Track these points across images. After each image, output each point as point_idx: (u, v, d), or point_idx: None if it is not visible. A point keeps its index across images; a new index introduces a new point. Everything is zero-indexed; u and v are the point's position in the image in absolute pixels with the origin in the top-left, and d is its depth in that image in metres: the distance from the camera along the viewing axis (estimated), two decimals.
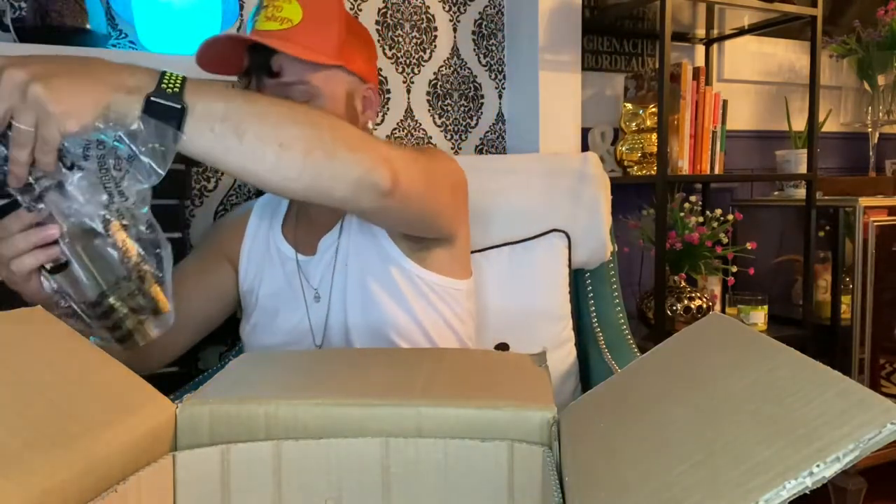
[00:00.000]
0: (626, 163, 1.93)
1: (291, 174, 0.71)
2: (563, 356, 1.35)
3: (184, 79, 0.69)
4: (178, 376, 1.30)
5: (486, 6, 1.89)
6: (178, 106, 0.66)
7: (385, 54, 1.78)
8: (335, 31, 0.96)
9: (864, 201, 1.94)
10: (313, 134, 0.72)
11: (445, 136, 1.87)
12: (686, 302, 1.83)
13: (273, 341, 1.04)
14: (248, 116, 0.68)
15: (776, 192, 2.27)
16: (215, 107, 0.67)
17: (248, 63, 0.95)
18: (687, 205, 1.88)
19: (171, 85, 0.67)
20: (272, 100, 0.74)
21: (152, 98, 0.65)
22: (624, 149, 1.93)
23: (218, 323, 1.14)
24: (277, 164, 0.69)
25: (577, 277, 1.48)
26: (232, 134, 0.67)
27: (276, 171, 0.70)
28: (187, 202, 1.58)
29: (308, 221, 1.06)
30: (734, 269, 1.86)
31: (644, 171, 1.89)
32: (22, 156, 0.62)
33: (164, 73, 0.69)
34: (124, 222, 0.67)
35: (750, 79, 2.28)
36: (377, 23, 1.76)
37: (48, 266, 0.66)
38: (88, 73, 0.65)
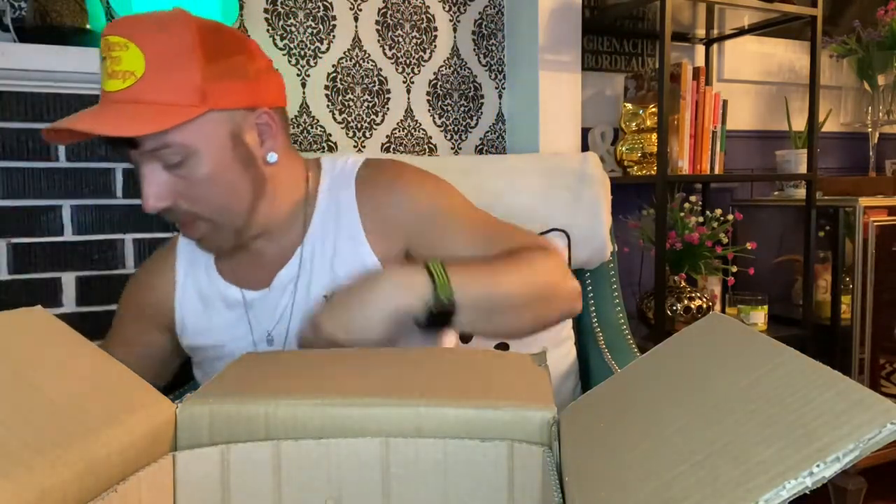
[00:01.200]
0: (626, 163, 1.93)
1: (526, 328, 0.87)
2: (563, 355, 1.35)
3: (446, 271, 0.77)
4: (178, 376, 1.31)
5: (486, 6, 1.88)
6: (452, 311, 0.77)
7: (385, 54, 1.78)
8: (191, 69, 0.77)
9: (864, 201, 1.94)
10: (539, 293, 0.85)
11: (445, 136, 1.87)
12: (686, 302, 1.83)
13: None
14: (497, 298, 0.81)
15: (776, 192, 2.27)
16: (475, 297, 0.78)
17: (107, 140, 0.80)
18: (687, 205, 1.88)
19: (443, 290, 0.76)
20: (506, 267, 0.84)
21: (433, 310, 0.75)
22: (624, 149, 1.92)
23: (174, 369, 1.05)
24: (516, 327, 0.86)
25: (578, 277, 1.48)
26: (486, 318, 0.81)
27: (515, 330, 0.87)
28: None
29: (252, 255, 0.93)
30: (734, 269, 1.86)
31: (644, 171, 1.89)
32: None
33: (431, 271, 0.77)
34: None
35: (750, 79, 2.28)
36: (377, 23, 1.76)
37: None
38: (375, 303, 0.75)
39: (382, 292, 0.75)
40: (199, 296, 0.95)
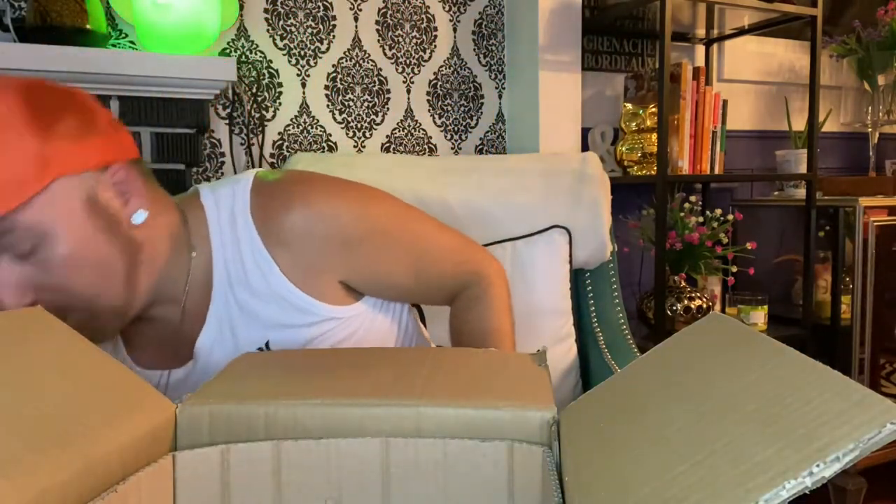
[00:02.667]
0: (626, 163, 1.93)
1: None
2: (564, 352, 1.35)
3: None
4: None
5: (486, 6, 1.88)
6: None
7: (385, 54, 1.78)
8: (23, 137, 0.64)
9: (864, 201, 1.94)
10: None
11: (445, 136, 1.87)
12: (686, 302, 1.83)
13: None
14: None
15: (776, 192, 2.27)
16: None
17: None
18: (687, 205, 1.88)
19: None
20: (507, 328, 0.90)
21: None
22: (624, 149, 1.92)
23: None
24: None
25: (577, 277, 1.48)
26: None
27: None
28: None
29: (158, 327, 0.81)
30: (734, 269, 1.86)
31: (644, 171, 1.89)
32: None
33: None
34: None
35: (750, 79, 2.28)
36: (377, 23, 1.76)
37: None
38: None
39: None
40: None
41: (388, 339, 0.90)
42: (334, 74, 1.72)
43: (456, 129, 1.88)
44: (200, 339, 0.80)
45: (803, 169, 2.03)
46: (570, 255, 1.40)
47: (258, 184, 0.81)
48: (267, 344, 0.81)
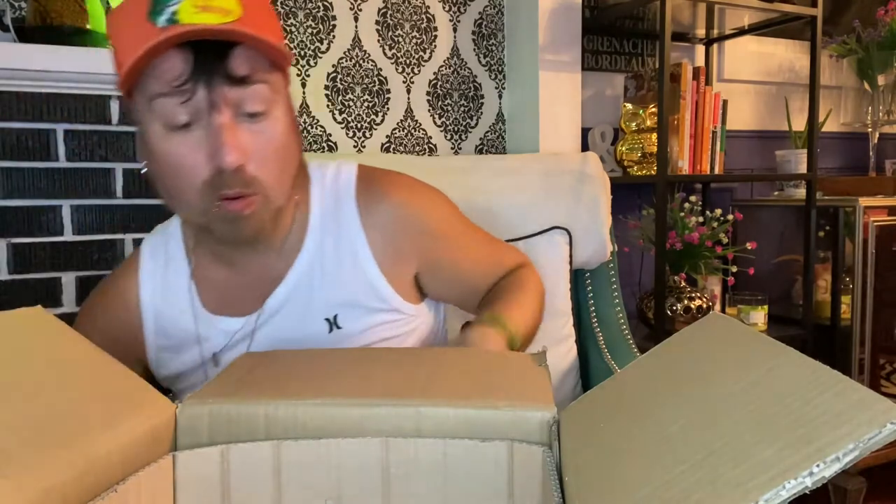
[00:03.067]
0: (626, 163, 1.93)
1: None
2: (564, 353, 1.35)
3: (508, 323, 0.81)
4: None
5: (486, 6, 1.88)
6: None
7: (385, 54, 1.78)
8: (278, 26, 0.74)
9: (864, 201, 1.94)
10: (542, 311, 0.93)
11: (445, 136, 1.87)
12: (686, 302, 1.83)
13: None
14: (533, 332, 0.88)
15: (776, 192, 2.27)
16: (526, 341, 0.85)
17: (192, 67, 0.67)
18: (687, 205, 1.88)
19: (513, 343, 0.80)
20: (532, 303, 0.89)
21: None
22: (624, 149, 1.92)
23: None
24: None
25: (577, 277, 1.48)
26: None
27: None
28: None
29: (236, 274, 0.84)
30: (734, 269, 1.86)
31: (644, 171, 1.89)
32: None
33: (504, 324, 0.79)
34: None
35: (750, 79, 2.28)
36: (377, 23, 1.76)
37: None
38: None
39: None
40: (173, 312, 0.85)
41: (433, 343, 0.95)
42: (334, 74, 1.72)
43: (456, 129, 1.88)
44: (276, 293, 0.82)
45: (803, 169, 2.03)
46: (571, 256, 1.40)
47: (363, 168, 0.88)
48: (335, 318, 0.82)
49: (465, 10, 1.86)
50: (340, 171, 0.87)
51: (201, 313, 0.84)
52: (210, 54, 0.67)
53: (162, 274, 0.86)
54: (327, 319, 0.82)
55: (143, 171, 0.76)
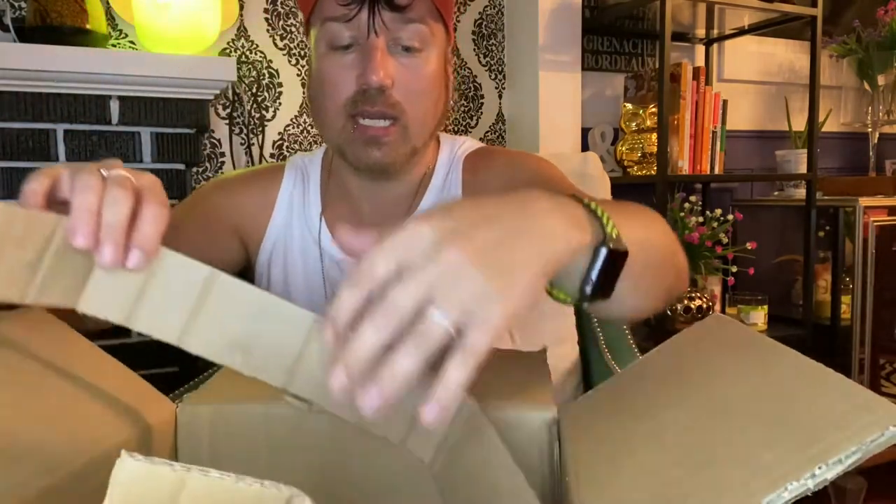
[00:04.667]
0: (626, 163, 1.93)
1: (659, 301, 0.60)
2: (566, 353, 1.35)
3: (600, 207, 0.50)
4: (178, 376, 1.30)
5: (486, 6, 1.88)
6: (625, 258, 0.48)
7: None
8: None
9: (864, 201, 1.94)
10: (675, 254, 0.62)
11: None
12: (686, 302, 1.83)
13: None
14: (651, 251, 0.55)
15: (776, 192, 2.27)
16: (635, 246, 0.49)
17: None
18: (687, 205, 1.88)
19: (612, 228, 0.47)
20: (648, 216, 0.61)
21: (608, 250, 0.46)
22: (624, 149, 1.92)
23: None
24: (652, 297, 0.59)
25: None
26: (634, 280, 0.51)
27: (650, 303, 0.59)
28: None
29: (355, 213, 0.86)
30: (734, 269, 1.86)
31: (644, 171, 1.89)
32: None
33: (589, 206, 0.48)
34: None
35: (750, 79, 2.28)
36: None
37: None
38: (530, 238, 0.40)
39: (547, 221, 0.42)
40: (299, 228, 0.87)
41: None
42: None
43: (456, 129, 1.88)
44: None
45: (803, 169, 2.03)
46: None
47: (480, 147, 0.92)
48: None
49: (465, 10, 1.86)
50: (464, 145, 0.91)
51: (326, 236, 0.86)
52: None
53: (296, 184, 0.90)
54: None
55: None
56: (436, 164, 0.89)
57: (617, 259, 0.47)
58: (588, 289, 0.47)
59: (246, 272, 0.93)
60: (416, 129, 0.78)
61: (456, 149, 0.91)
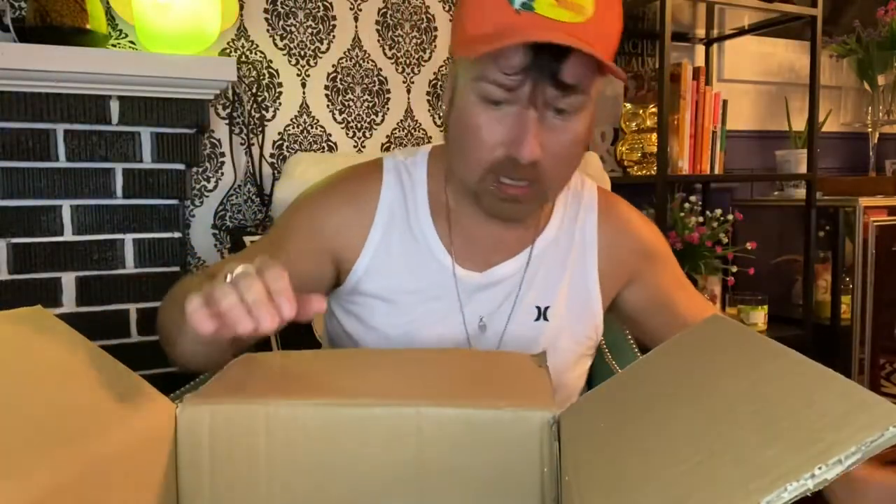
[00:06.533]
0: (626, 163, 1.93)
1: None
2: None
3: None
4: (178, 376, 1.30)
5: None
6: None
7: (385, 54, 1.78)
8: (620, 27, 0.73)
9: (864, 201, 1.94)
10: None
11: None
12: None
13: (401, 339, 0.85)
14: None
15: (776, 192, 2.27)
16: None
17: (529, 62, 0.68)
18: (687, 205, 1.88)
19: None
20: None
21: None
22: (624, 149, 1.92)
23: None
24: None
25: None
26: None
27: None
28: (187, 202, 1.58)
29: (471, 236, 0.85)
30: (734, 269, 1.85)
31: (644, 171, 1.89)
32: None
33: None
34: None
35: (750, 79, 2.28)
36: (377, 23, 1.76)
37: None
38: None
39: None
40: (401, 238, 0.84)
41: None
42: (334, 74, 1.72)
43: None
44: (505, 263, 0.85)
45: (803, 169, 2.03)
46: None
47: (600, 189, 0.93)
48: (546, 310, 0.85)
49: None
50: (585, 185, 0.91)
51: (435, 242, 0.84)
52: (548, 55, 0.67)
53: (395, 196, 0.86)
54: (538, 307, 0.85)
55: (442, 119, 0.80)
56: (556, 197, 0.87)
57: None
58: None
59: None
60: (555, 189, 0.79)
61: (575, 187, 0.90)
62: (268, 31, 1.65)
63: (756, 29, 2.04)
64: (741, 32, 2.09)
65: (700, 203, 2.03)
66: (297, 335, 1.01)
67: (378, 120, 1.78)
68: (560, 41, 0.65)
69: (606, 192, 0.93)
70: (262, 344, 1.21)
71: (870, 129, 2.27)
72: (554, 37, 0.64)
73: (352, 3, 1.72)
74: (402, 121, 1.81)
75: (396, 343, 0.83)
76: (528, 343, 0.83)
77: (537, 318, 0.84)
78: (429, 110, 1.84)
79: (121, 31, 1.50)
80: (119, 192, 1.37)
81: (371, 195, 0.85)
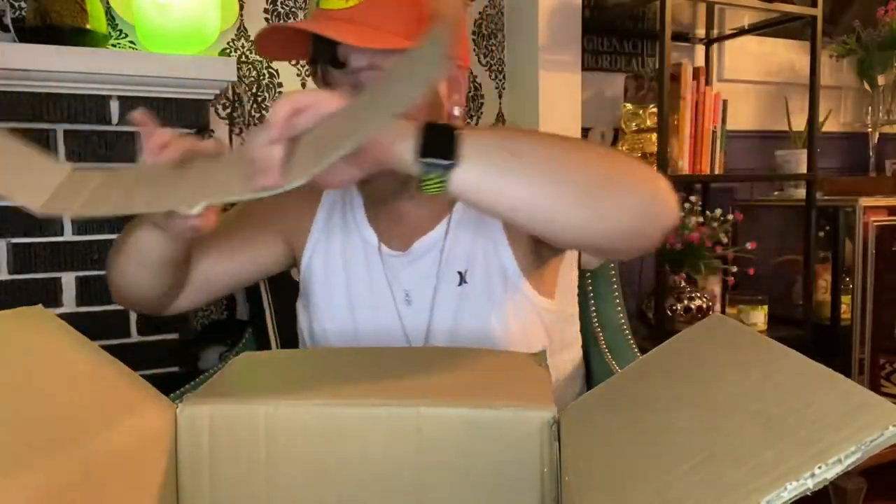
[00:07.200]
0: None
1: (571, 210, 0.64)
2: (570, 358, 1.34)
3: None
4: (178, 376, 1.30)
5: (486, 6, 1.88)
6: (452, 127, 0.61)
7: None
8: (408, 4, 0.79)
9: (864, 201, 1.94)
10: (592, 161, 0.67)
11: None
12: (686, 302, 1.83)
13: (342, 328, 0.91)
14: (520, 147, 0.64)
15: (776, 192, 2.27)
16: (488, 142, 0.62)
17: (313, 51, 0.81)
18: (687, 205, 1.88)
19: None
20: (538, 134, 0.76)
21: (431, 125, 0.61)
22: (624, 149, 1.92)
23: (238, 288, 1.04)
24: (552, 203, 0.64)
25: (579, 278, 1.48)
26: (499, 175, 0.61)
27: (549, 207, 0.64)
28: None
29: (394, 216, 0.91)
30: (734, 269, 1.86)
31: None
32: None
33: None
34: None
35: (750, 79, 2.28)
36: None
37: None
38: None
39: None
40: (339, 226, 0.93)
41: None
42: None
43: None
44: (423, 239, 0.89)
45: (803, 169, 2.03)
46: (579, 260, 1.39)
47: None
48: (465, 274, 0.88)
49: (466, 9, 1.86)
50: None
51: (365, 227, 0.92)
52: (325, 43, 0.76)
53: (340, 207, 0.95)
54: (459, 273, 0.88)
55: None
56: None
57: (444, 132, 0.60)
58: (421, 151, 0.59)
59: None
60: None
61: None
62: None
63: (756, 29, 2.04)
64: (741, 32, 2.09)
65: (700, 203, 2.03)
66: (297, 335, 1.02)
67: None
68: (315, 30, 0.76)
69: None
70: (262, 344, 1.21)
71: (870, 129, 2.27)
72: (316, 27, 0.76)
73: None
74: None
75: (338, 324, 0.91)
76: (455, 311, 0.87)
77: (459, 283, 0.88)
78: None
79: (121, 31, 1.50)
80: None
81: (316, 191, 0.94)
